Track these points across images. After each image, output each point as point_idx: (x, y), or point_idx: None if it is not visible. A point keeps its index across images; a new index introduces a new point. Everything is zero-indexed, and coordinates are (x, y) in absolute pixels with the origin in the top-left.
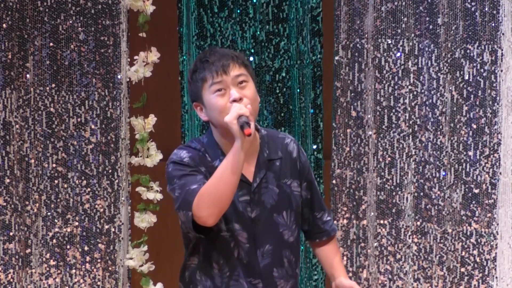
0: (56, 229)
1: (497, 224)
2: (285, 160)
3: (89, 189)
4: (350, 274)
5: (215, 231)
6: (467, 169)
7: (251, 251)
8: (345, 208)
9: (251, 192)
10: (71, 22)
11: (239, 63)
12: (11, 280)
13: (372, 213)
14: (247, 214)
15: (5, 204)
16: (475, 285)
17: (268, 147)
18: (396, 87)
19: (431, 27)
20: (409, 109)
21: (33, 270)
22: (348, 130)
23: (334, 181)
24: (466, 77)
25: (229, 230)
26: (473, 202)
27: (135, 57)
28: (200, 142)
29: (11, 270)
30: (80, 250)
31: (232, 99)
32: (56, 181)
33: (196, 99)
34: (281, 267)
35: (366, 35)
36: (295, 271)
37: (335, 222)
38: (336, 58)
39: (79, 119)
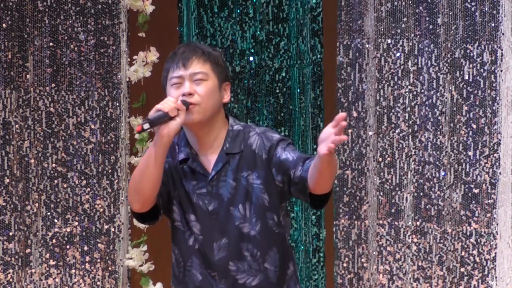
0: (56, 229)
1: (497, 224)
2: (245, 153)
3: (89, 189)
4: (351, 275)
5: (172, 221)
6: (467, 169)
7: (207, 243)
8: (347, 209)
9: (208, 184)
10: (71, 22)
11: (203, 59)
12: (11, 280)
13: (372, 213)
14: (205, 206)
15: (4, 204)
16: (474, 285)
17: (230, 142)
18: (396, 87)
19: (431, 27)
20: (409, 109)
21: (33, 270)
22: (349, 131)
23: (336, 181)
24: (466, 77)
25: (182, 221)
26: (473, 202)
27: (135, 57)
28: (181, 134)
29: (11, 270)
30: (79, 250)
31: (181, 92)
32: (56, 181)
33: (164, 88)
34: (240, 260)
35: (366, 35)
36: (262, 265)
37: (335, 222)
38: (337, 58)
39: (79, 119)
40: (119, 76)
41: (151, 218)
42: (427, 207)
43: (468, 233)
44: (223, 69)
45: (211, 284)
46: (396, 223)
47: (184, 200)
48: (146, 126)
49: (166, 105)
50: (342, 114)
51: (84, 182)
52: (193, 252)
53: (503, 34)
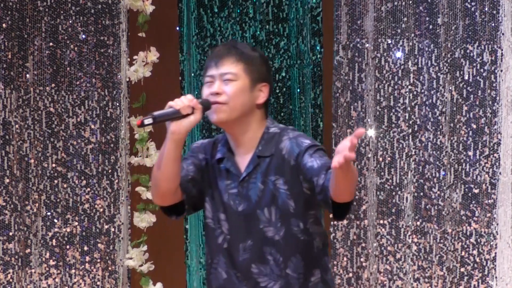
0: (56, 229)
1: (497, 224)
2: (275, 157)
3: (89, 189)
4: (350, 274)
5: (204, 218)
6: (467, 169)
7: (234, 243)
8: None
9: (239, 185)
10: (71, 22)
11: (235, 59)
12: (11, 280)
13: (372, 213)
14: (235, 206)
15: (4, 204)
16: (474, 285)
17: (263, 144)
18: (396, 87)
19: (431, 27)
20: (409, 109)
21: (33, 270)
22: (348, 130)
23: None
24: (466, 77)
25: (213, 219)
26: (473, 202)
27: (135, 57)
28: (223, 134)
29: (11, 270)
30: (79, 250)
31: (210, 92)
32: (55, 181)
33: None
34: (262, 264)
35: (366, 35)
36: (284, 271)
37: (333, 222)
38: (337, 58)
39: (79, 119)
40: (119, 76)
41: (175, 212)
42: (427, 207)
43: (468, 233)
44: (258, 70)
45: (234, 284)
46: (396, 223)
47: (216, 198)
48: (148, 121)
49: (179, 102)
50: (361, 130)
51: (84, 182)
52: (221, 250)
53: (503, 34)
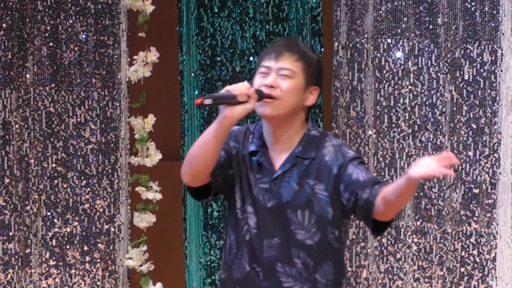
0: (56, 229)
1: (497, 224)
2: (316, 162)
3: (88, 189)
4: (350, 274)
5: (232, 207)
6: (467, 169)
7: (258, 238)
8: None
9: (271, 181)
10: (71, 22)
11: (295, 57)
12: (11, 280)
13: None
14: (264, 202)
15: (4, 204)
16: (474, 285)
17: (303, 145)
18: (396, 87)
19: (431, 27)
20: (409, 109)
21: (33, 270)
22: (348, 130)
23: None
24: (466, 77)
25: (242, 210)
26: (473, 202)
27: (135, 57)
28: (258, 125)
29: (11, 270)
30: (79, 250)
31: (264, 83)
32: (55, 181)
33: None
34: (289, 265)
35: (366, 35)
36: (313, 275)
37: None
38: (336, 57)
39: (78, 119)
40: (119, 76)
41: (202, 195)
42: (427, 207)
43: (468, 233)
44: (314, 72)
45: (254, 279)
46: (396, 223)
47: (246, 190)
48: (208, 101)
49: (237, 88)
50: (450, 156)
51: (84, 182)
52: (245, 242)
53: (503, 34)
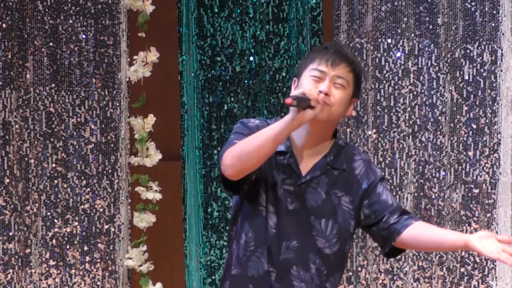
0: (56, 229)
1: (497, 224)
2: (346, 173)
3: (88, 189)
4: (350, 273)
5: (254, 202)
6: (467, 169)
7: (276, 239)
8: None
9: (297, 184)
10: (71, 22)
11: (350, 68)
12: (11, 280)
13: None
14: (285, 203)
15: (4, 204)
16: (475, 285)
17: (335, 155)
18: (396, 87)
19: (431, 27)
20: (409, 109)
21: (33, 270)
22: (348, 130)
23: None
24: (466, 77)
25: (265, 208)
26: (473, 202)
27: (135, 57)
28: (276, 120)
29: (11, 270)
30: (79, 250)
31: (319, 89)
32: (55, 181)
33: (297, 74)
34: (304, 269)
35: (366, 35)
36: (324, 283)
37: None
38: None
39: (79, 119)
40: (119, 76)
41: (235, 188)
42: (427, 207)
43: (468, 233)
44: (359, 85)
45: (266, 280)
46: None
47: (269, 189)
48: (295, 103)
49: (312, 93)
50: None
51: (84, 182)
52: (266, 241)
53: (503, 34)
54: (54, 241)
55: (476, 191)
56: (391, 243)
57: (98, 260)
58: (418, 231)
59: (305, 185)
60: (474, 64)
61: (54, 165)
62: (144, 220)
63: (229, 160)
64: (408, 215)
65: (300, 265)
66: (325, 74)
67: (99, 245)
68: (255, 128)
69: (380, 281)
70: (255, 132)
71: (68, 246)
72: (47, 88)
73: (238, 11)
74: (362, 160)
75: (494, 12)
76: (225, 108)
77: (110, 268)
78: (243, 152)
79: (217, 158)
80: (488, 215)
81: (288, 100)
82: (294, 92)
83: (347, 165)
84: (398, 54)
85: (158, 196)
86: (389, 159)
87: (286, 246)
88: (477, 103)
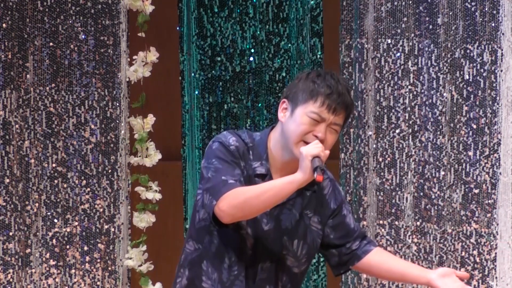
0: (56, 229)
1: (497, 224)
2: (316, 194)
3: (88, 189)
4: (350, 274)
5: (233, 226)
6: (467, 169)
7: (253, 261)
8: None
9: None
10: (71, 22)
11: (346, 113)
12: (11, 280)
13: (372, 213)
14: (261, 224)
15: (4, 204)
16: (475, 285)
17: None
18: (396, 87)
19: (431, 27)
20: (409, 109)
21: (33, 270)
22: (351, 130)
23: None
24: (466, 77)
25: (245, 230)
26: (473, 202)
27: (135, 57)
28: (251, 138)
29: (11, 270)
30: (79, 250)
31: (315, 134)
32: (56, 181)
33: (292, 98)
34: (274, 287)
35: (366, 35)
36: None
37: None
38: (341, 57)
39: (79, 119)
40: (119, 76)
41: (226, 224)
42: (427, 207)
43: (468, 233)
44: (347, 122)
45: None
46: (396, 223)
47: None
48: (322, 172)
49: (323, 154)
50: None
51: (84, 182)
52: (245, 264)
53: (503, 34)
54: (54, 241)
55: (476, 191)
56: (348, 267)
57: (98, 260)
58: (378, 260)
59: (281, 206)
60: (474, 64)
61: (54, 165)
62: (144, 220)
63: (229, 209)
64: (366, 240)
65: (272, 284)
66: (323, 119)
67: (99, 245)
68: (235, 152)
69: (380, 281)
70: (238, 157)
71: (68, 246)
72: (47, 88)
73: (238, 11)
74: (329, 180)
75: (494, 12)
76: (225, 108)
77: (110, 268)
78: (247, 204)
79: (204, 191)
80: (488, 215)
81: (321, 178)
82: (315, 162)
83: (317, 185)
84: (398, 54)
85: (158, 196)
86: (389, 159)
87: (261, 267)
88: (477, 103)
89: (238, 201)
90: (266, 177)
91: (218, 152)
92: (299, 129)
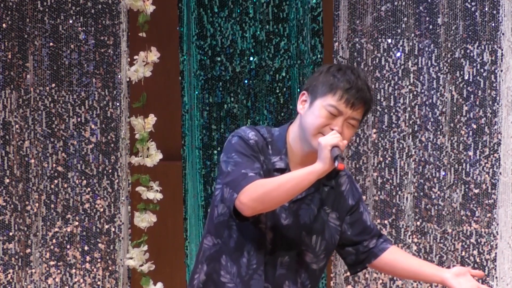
0: (56, 229)
1: (497, 224)
2: (334, 190)
3: (89, 189)
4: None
5: (252, 220)
6: (467, 169)
7: (273, 256)
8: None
9: (292, 201)
10: (71, 22)
11: (365, 108)
12: (11, 280)
13: (372, 213)
14: (280, 219)
15: (4, 204)
16: None
17: None
18: (396, 87)
19: (431, 27)
20: (409, 109)
21: (33, 270)
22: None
23: None
24: (466, 77)
25: (265, 224)
26: (473, 202)
27: (135, 57)
28: (270, 133)
29: (11, 270)
30: (80, 250)
31: (332, 127)
32: (56, 181)
33: (312, 90)
34: (294, 284)
35: (366, 35)
36: None
37: None
38: (337, 57)
39: (79, 119)
40: (119, 76)
41: (246, 218)
42: (427, 207)
43: (468, 233)
44: (365, 117)
45: None
46: (396, 223)
47: None
48: (342, 161)
49: (342, 144)
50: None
51: (84, 182)
52: (265, 258)
53: (503, 34)
54: (54, 241)
55: (476, 191)
56: (365, 265)
57: (99, 260)
58: (394, 258)
59: (300, 201)
60: (474, 64)
61: (54, 165)
62: (145, 220)
63: (250, 201)
64: (383, 238)
65: (291, 280)
66: (341, 113)
67: (100, 245)
68: (255, 147)
69: (380, 281)
70: (257, 151)
71: (68, 246)
72: (47, 88)
73: (238, 11)
74: (346, 176)
75: (494, 12)
76: (225, 108)
77: (110, 268)
78: (267, 196)
79: (224, 185)
80: (488, 215)
81: (342, 166)
82: (334, 151)
83: (334, 181)
84: (398, 54)
85: (159, 196)
86: (389, 159)
87: (280, 262)
88: (477, 103)
89: (259, 193)
90: (285, 171)
91: (238, 146)
92: (317, 121)
